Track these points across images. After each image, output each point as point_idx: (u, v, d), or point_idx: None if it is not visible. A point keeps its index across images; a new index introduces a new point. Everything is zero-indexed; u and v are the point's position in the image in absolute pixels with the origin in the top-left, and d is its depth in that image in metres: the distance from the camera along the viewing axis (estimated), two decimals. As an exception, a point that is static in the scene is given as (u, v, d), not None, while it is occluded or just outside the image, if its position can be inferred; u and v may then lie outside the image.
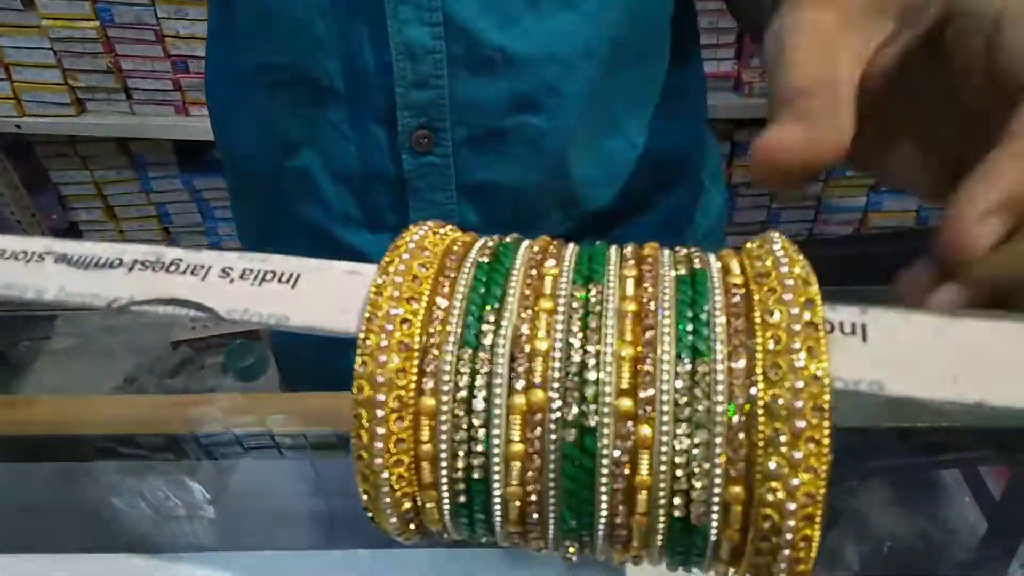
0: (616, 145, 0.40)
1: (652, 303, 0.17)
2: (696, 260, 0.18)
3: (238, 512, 0.46)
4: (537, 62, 0.35)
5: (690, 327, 0.16)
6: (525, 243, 0.19)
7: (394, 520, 0.17)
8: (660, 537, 0.16)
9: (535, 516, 0.17)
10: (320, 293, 0.18)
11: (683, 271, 0.17)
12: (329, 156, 0.38)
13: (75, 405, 0.41)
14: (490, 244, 0.19)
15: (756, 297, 0.16)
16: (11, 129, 1.18)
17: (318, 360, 0.47)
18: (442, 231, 0.19)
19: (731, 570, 0.17)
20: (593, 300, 0.17)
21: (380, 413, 0.16)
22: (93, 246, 0.20)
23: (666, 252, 0.18)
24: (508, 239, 0.19)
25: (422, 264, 0.18)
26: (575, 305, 0.17)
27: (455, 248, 0.18)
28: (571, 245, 0.19)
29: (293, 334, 0.56)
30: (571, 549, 0.17)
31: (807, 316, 0.16)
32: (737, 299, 0.17)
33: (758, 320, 0.16)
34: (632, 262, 0.18)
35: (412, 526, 0.18)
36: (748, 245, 0.18)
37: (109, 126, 1.18)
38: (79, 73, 1.13)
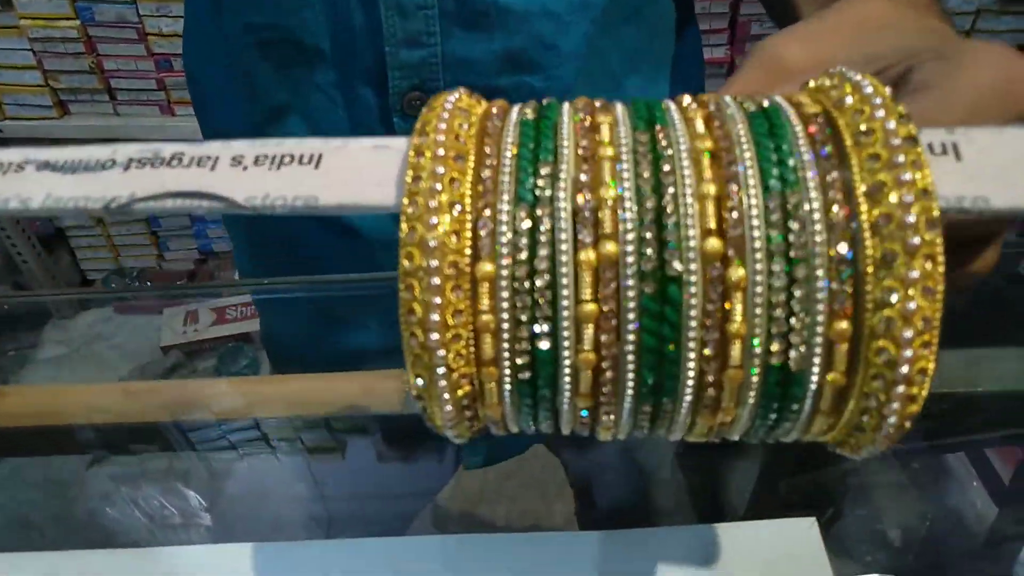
0: None
1: (727, 140, 0.15)
2: (763, 100, 0.16)
3: (235, 517, 0.45)
4: (532, 16, 0.33)
5: (774, 158, 0.14)
6: (567, 103, 0.17)
7: (449, 409, 0.16)
8: (753, 394, 0.15)
9: (609, 385, 0.15)
10: (348, 170, 0.16)
11: (752, 108, 0.16)
12: (316, 121, 0.37)
13: (55, 395, 0.39)
14: (530, 106, 0.17)
15: (842, 122, 0.15)
16: (-8, 134, 1.15)
17: (309, 343, 0.45)
18: (474, 96, 0.17)
19: (829, 427, 0.15)
20: (662, 143, 0.15)
21: (435, 281, 0.14)
22: (78, 150, 0.17)
23: (726, 97, 0.17)
24: (546, 101, 0.17)
25: (463, 123, 0.16)
26: (640, 150, 0.15)
27: (494, 110, 0.17)
28: (618, 103, 0.17)
29: (282, 320, 0.54)
30: (646, 423, 0.16)
31: (905, 130, 0.14)
32: (818, 128, 0.15)
33: (849, 143, 0.14)
34: (695, 106, 0.16)
35: (467, 415, 0.16)
36: (812, 84, 0.17)
37: (93, 128, 1.15)
38: (60, 74, 1.10)
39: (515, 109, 0.17)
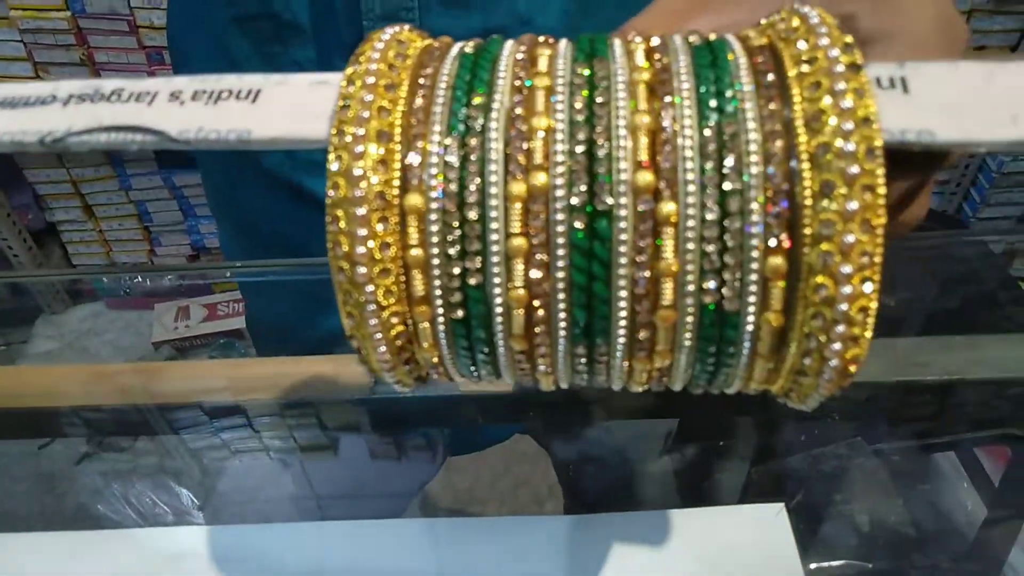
0: None
1: (667, 72, 0.14)
2: (711, 35, 0.16)
3: (227, 514, 0.45)
4: None
5: (713, 89, 0.14)
6: (511, 40, 0.17)
7: (383, 351, 0.15)
8: (688, 336, 0.14)
9: (542, 325, 0.14)
10: (285, 105, 0.16)
11: (697, 41, 0.15)
12: None
13: (41, 376, 0.38)
14: (472, 42, 0.16)
15: (786, 52, 0.14)
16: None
17: (296, 326, 0.45)
18: (418, 32, 0.17)
19: (770, 372, 0.15)
20: (599, 75, 0.15)
21: (361, 211, 0.14)
22: (20, 86, 0.17)
23: (676, 36, 0.16)
24: (491, 37, 0.17)
25: (399, 54, 0.15)
26: (577, 82, 0.15)
27: (434, 45, 0.16)
28: (564, 39, 0.17)
29: (266, 304, 0.53)
30: (583, 367, 0.15)
31: (848, 58, 0.14)
32: (763, 59, 0.14)
33: (791, 72, 0.14)
34: (639, 39, 0.15)
35: (403, 357, 0.15)
36: (763, 21, 0.16)
37: (83, 119, 1.15)
38: (51, 66, 1.10)
39: (457, 45, 0.16)
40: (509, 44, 0.16)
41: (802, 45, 0.14)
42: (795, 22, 0.15)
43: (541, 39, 0.16)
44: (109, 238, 1.38)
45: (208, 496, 0.46)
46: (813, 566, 0.31)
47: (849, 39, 0.14)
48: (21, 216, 1.32)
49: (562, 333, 0.14)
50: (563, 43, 0.16)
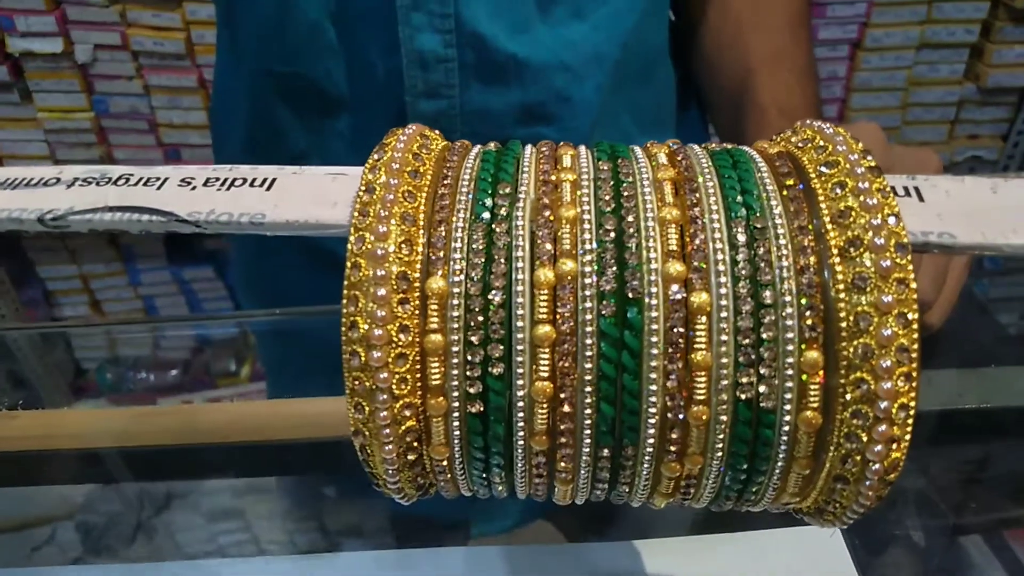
0: None
1: (690, 171, 0.14)
2: (727, 144, 0.16)
3: None
4: (548, 69, 0.34)
5: (738, 187, 0.14)
6: (531, 144, 0.17)
7: (390, 449, 0.14)
8: (721, 437, 0.13)
9: (566, 422, 0.14)
10: (300, 192, 0.16)
11: (716, 148, 0.16)
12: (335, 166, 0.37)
13: (57, 418, 0.36)
14: (493, 143, 0.17)
15: (805, 158, 0.14)
16: (0, 223, 1.17)
17: (311, 366, 0.44)
18: (437, 133, 0.17)
19: (806, 482, 0.14)
20: (623, 172, 0.15)
21: (381, 292, 0.13)
22: (25, 169, 0.17)
23: (693, 145, 0.16)
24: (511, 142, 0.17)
25: (423, 147, 0.16)
26: (602, 177, 0.15)
27: (456, 144, 0.16)
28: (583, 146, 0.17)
29: (283, 342, 0.52)
30: (605, 474, 0.14)
31: (867, 162, 0.14)
32: (781, 162, 0.15)
33: (812, 174, 0.14)
34: (659, 146, 0.16)
35: (411, 459, 0.14)
36: (777, 137, 0.17)
37: (99, 217, 1.17)
38: (71, 163, 1.13)
39: (477, 145, 0.17)
40: (530, 146, 0.16)
41: (821, 151, 0.14)
42: (809, 133, 0.15)
43: (561, 143, 0.16)
44: (113, 332, 1.38)
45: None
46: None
47: (865, 148, 0.14)
48: (30, 312, 1.33)
49: (587, 432, 0.14)
50: (583, 147, 0.16)
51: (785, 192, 0.14)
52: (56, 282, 1.34)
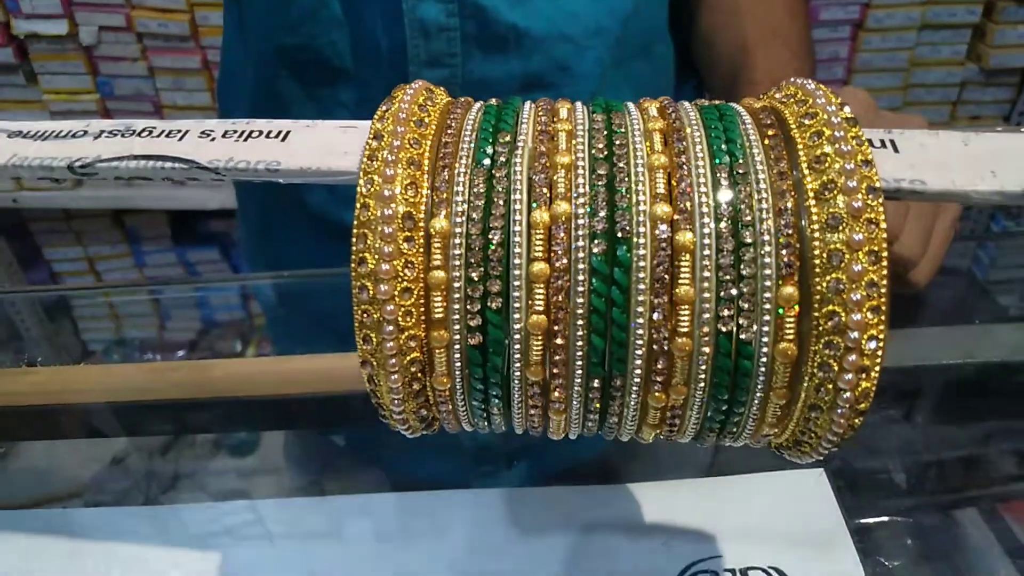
0: None
1: (679, 122, 0.15)
2: (716, 101, 0.17)
3: None
4: (549, 40, 0.35)
5: (723, 136, 0.15)
6: (530, 101, 0.18)
7: (396, 378, 0.15)
8: (703, 368, 0.14)
9: (560, 354, 0.15)
10: (314, 143, 0.17)
11: (705, 103, 0.16)
12: None
13: (70, 374, 0.37)
14: (494, 100, 0.18)
15: (787, 111, 0.15)
16: (8, 204, 1.18)
17: (316, 331, 0.44)
18: (442, 89, 0.18)
19: (784, 413, 0.15)
20: (616, 123, 0.16)
21: (388, 230, 0.14)
22: (52, 123, 0.18)
23: (684, 101, 0.17)
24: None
25: (428, 100, 0.16)
26: (596, 127, 0.16)
27: (459, 100, 0.17)
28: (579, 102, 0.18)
29: (289, 307, 0.53)
30: (596, 404, 0.15)
31: (844, 114, 0.15)
32: (764, 115, 0.16)
33: (793, 124, 0.15)
34: (651, 101, 0.17)
35: (415, 389, 0.16)
36: (764, 95, 0.17)
37: (106, 198, 1.18)
38: (78, 146, 1.14)
39: (480, 101, 0.17)
40: (529, 102, 0.17)
41: (802, 104, 0.15)
42: (792, 89, 0.16)
43: (559, 99, 0.17)
44: (120, 313, 1.39)
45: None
46: (856, 523, 0.29)
47: (842, 101, 0.15)
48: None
49: (579, 363, 0.15)
50: (579, 102, 0.17)
51: (767, 141, 0.15)
52: (62, 263, 1.36)
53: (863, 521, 0.30)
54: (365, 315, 0.15)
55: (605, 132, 0.15)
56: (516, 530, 0.29)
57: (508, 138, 0.15)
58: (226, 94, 0.45)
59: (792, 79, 0.17)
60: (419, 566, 0.28)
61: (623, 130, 0.15)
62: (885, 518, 0.31)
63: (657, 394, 0.15)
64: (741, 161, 0.14)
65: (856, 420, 0.14)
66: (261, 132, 0.17)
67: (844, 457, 0.32)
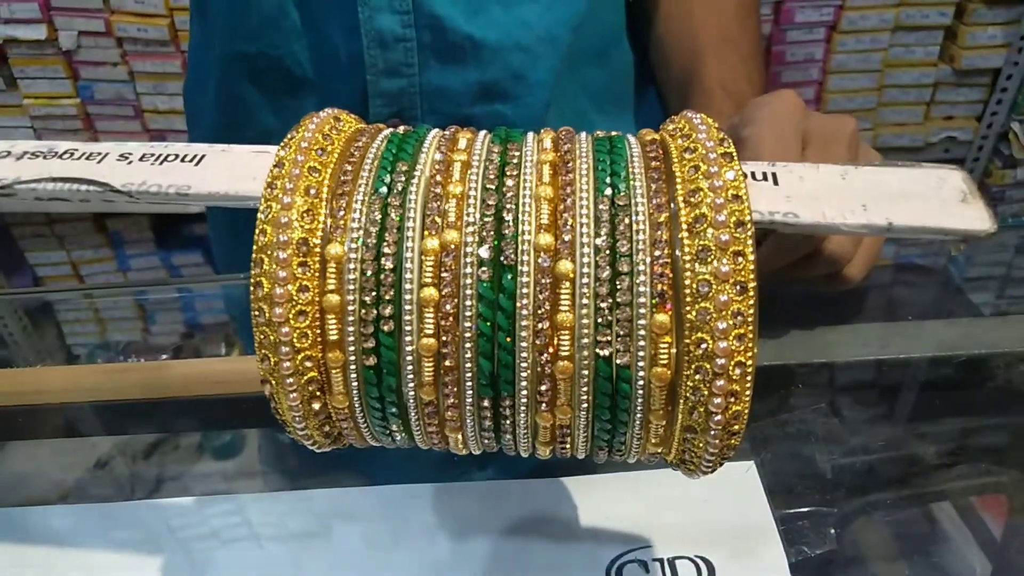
0: None
1: (570, 155, 0.16)
2: (613, 132, 0.18)
3: None
4: (504, 49, 0.36)
5: (608, 169, 0.16)
6: (436, 128, 0.18)
7: (294, 396, 0.16)
8: (585, 390, 0.15)
9: (450, 375, 0.15)
10: (225, 167, 0.17)
11: (600, 135, 0.17)
12: None
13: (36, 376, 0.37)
14: (402, 127, 0.18)
15: (672, 145, 0.16)
16: (-11, 208, 1.18)
17: None
18: (355, 117, 0.18)
19: (666, 432, 0.15)
20: (511, 155, 0.16)
21: (283, 255, 0.15)
22: None
23: (583, 132, 0.18)
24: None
25: (334, 128, 0.17)
26: (492, 159, 0.16)
27: (367, 127, 0.18)
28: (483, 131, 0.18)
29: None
30: (488, 423, 0.16)
31: (722, 149, 0.15)
32: (652, 149, 0.16)
33: (676, 159, 0.16)
34: (549, 132, 0.17)
35: (315, 407, 0.16)
36: (665, 125, 0.18)
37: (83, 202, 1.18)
38: (58, 149, 1.14)
39: (387, 128, 0.18)
40: (435, 130, 0.18)
41: (686, 138, 0.16)
42: (682, 123, 0.17)
43: (463, 128, 0.18)
44: (104, 316, 1.39)
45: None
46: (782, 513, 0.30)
47: (724, 136, 0.16)
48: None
49: (468, 384, 0.15)
50: (482, 132, 0.17)
51: (651, 174, 0.15)
52: (45, 268, 1.35)
53: (790, 511, 0.30)
54: (263, 336, 0.15)
55: (498, 163, 0.16)
56: (442, 525, 0.30)
57: (406, 167, 0.16)
58: (193, 98, 0.45)
59: (685, 112, 0.17)
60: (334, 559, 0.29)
61: (516, 161, 0.16)
62: (809, 508, 0.32)
63: (544, 414, 0.15)
64: (623, 193, 0.15)
65: (731, 441, 0.15)
66: (177, 156, 0.18)
67: (774, 451, 0.33)
